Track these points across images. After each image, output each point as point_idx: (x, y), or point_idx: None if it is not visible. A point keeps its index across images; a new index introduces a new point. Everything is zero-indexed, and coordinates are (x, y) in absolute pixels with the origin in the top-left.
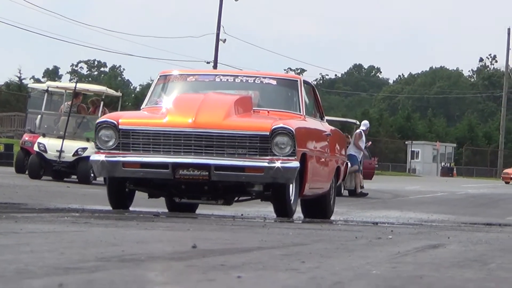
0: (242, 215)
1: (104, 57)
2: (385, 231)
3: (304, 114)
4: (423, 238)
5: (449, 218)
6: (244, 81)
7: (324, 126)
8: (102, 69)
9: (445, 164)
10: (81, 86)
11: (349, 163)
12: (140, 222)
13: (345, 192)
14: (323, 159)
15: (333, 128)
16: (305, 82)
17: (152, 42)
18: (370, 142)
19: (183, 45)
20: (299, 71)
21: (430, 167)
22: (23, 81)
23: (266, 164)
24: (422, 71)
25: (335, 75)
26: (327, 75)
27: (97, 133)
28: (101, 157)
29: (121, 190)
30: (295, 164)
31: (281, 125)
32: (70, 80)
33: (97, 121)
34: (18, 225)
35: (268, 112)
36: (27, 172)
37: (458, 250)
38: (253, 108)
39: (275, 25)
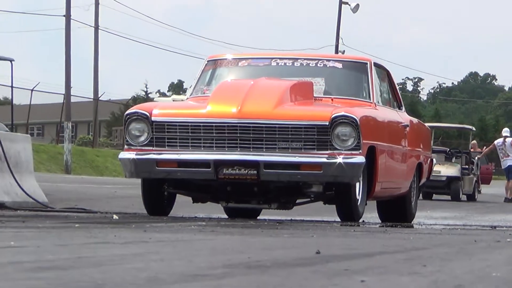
0: (364, 221)
1: None
2: (503, 235)
3: (375, 101)
4: None
5: None
6: (304, 64)
7: (401, 116)
8: None
9: None
10: None
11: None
12: (265, 230)
13: (464, 197)
14: (399, 154)
15: (414, 119)
16: (376, 65)
17: None
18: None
19: None
20: (416, 79)
21: None
22: (149, 94)
23: (325, 160)
24: None
25: (452, 83)
26: (444, 83)
27: (127, 127)
28: (132, 154)
29: (158, 193)
30: (360, 159)
31: (342, 113)
32: None
33: (126, 112)
34: (147, 234)
35: (332, 99)
36: None
37: None
38: (316, 96)
39: (392, 34)
